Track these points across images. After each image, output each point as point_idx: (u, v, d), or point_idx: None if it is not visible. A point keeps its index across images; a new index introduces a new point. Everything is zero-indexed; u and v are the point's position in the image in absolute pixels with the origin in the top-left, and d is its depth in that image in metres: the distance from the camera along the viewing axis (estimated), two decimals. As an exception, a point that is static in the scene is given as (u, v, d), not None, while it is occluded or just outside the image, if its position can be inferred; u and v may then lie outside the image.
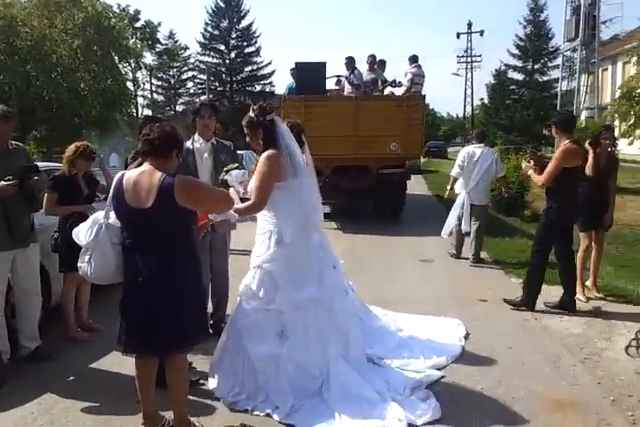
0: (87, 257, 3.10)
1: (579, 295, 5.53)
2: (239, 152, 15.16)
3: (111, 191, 3.08)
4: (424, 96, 11.20)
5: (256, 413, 3.38)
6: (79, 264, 3.15)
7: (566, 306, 5.23)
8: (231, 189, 3.66)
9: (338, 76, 11.65)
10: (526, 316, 5.15)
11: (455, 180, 7.70)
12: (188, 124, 4.84)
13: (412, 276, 6.83)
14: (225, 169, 3.78)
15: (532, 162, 5.52)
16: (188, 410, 3.18)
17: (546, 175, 5.18)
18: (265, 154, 3.56)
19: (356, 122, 10.27)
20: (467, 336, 4.61)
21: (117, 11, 27.60)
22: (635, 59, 17.79)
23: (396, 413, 3.29)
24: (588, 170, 5.55)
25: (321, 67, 10.82)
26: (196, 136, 4.44)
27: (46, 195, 4.58)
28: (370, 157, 10.41)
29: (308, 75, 10.56)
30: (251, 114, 3.68)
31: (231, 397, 3.53)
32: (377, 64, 11.52)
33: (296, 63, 11.03)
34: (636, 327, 4.75)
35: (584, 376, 3.86)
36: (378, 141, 10.36)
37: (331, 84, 11.77)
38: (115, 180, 3.07)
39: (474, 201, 7.46)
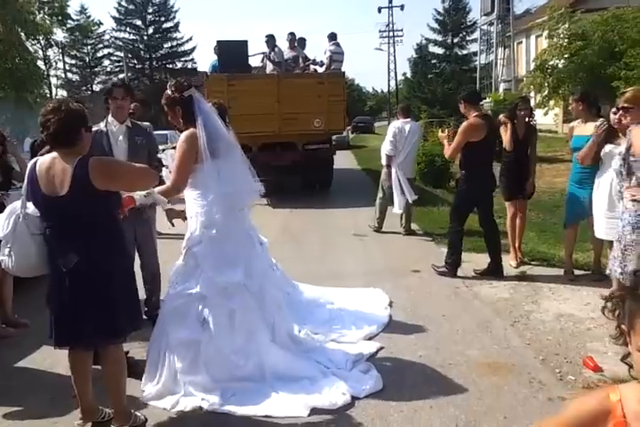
0: (7, 250, 2.92)
1: (510, 261, 5.79)
2: (163, 132, 14.85)
3: (25, 180, 2.89)
4: (344, 73, 11.62)
5: (179, 409, 3.21)
6: (0, 257, 2.97)
7: (493, 272, 5.47)
8: (164, 170, 3.53)
9: (263, 53, 11.68)
10: (457, 284, 5.33)
11: (390, 157, 7.70)
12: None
13: (347, 250, 6.90)
14: (162, 148, 3.65)
15: (446, 132, 5.77)
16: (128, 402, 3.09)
17: (451, 149, 5.48)
18: (184, 133, 3.44)
19: (278, 99, 10.54)
20: (391, 304, 4.75)
21: (20, -17, 25.69)
22: (546, 32, 18.48)
23: (338, 387, 3.32)
24: (507, 145, 5.74)
25: (243, 44, 10.97)
26: (110, 118, 4.18)
27: None
28: (294, 134, 10.70)
29: (231, 53, 10.72)
30: (168, 91, 3.55)
31: (152, 388, 3.36)
32: (297, 42, 11.77)
33: (218, 41, 11.07)
34: (559, 290, 5.04)
35: (515, 339, 4.04)
36: (301, 118, 10.65)
37: (256, 62, 11.84)
38: (28, 167, 2.90)
39: (405, 175, 7.64)
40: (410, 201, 7.60)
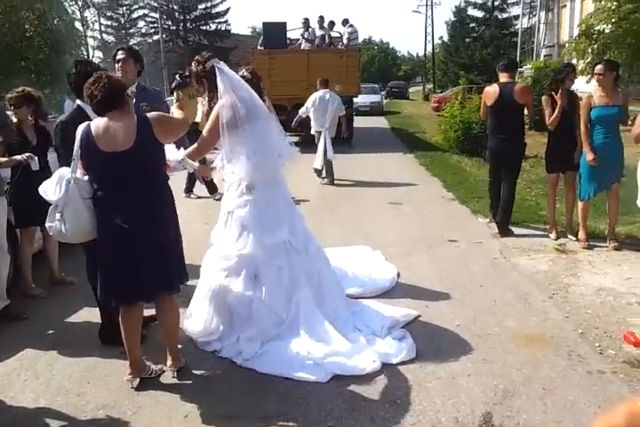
0: (58, 215, 3.00)
1: (550, 234, 5.73)
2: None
3: (77, 144, 2.97)
4: (360, 49, 15.34)
5: (222, 355, 3.50)
6: (48, 224, 3.05)
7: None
8: None
9: (301, 28, 14.88)
10: (495, 255, 5.31)
11: (300, 117, 9.46)
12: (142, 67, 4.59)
13: (381, 213, 6.90)
14: None
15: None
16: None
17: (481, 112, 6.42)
18: (218, 103, 3.51)
19: (308, 69, 13.14)
20: (398, 274, 4.77)
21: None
22: (593, -6, 17.62)
23: (368, 354, 3.38)
24: (547, 119, 5.56)
25: (282, 26, 14.28)
26: None
27: None
28: None
29: (273, 32, 13.99)
30: (192, 68, 3.66)
31: (204, 337, 3.64)
32: (327, 23, 14.96)
33: (263, 23, 14.51)
34: (599, 263, 4.98)
35: (553, 311, 4.03)
36: None
37: (296, 35, 15.20)
38: (80, 130, 2.97)
39: (331, 134, 9.35)
40: (329, 158, 9.19)
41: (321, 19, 14.77)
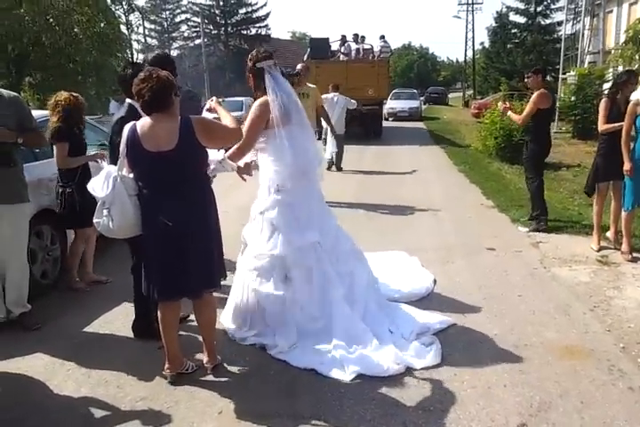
0: (105, 211, 3.08)
1: (592, 244, 5.59)
2: (238, 99, 16.97)
3: (123, 142, 3.05)
4: (389, 60, 18.99)
5: (257, 343, 3.65)
6: (96, 220, 3.13)
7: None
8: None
9: (340, 40, 18.23)
10: (535, 264, 5.21)
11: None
12: (185, 70, 4.64)
13: (418, 223, 6.86)
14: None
15: (507, 103, 6.89)
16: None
17: (523, 117, 6.28)
18: (257, 100, 3.62)
19: (346, 76, 15.62)
20: (435, 281, 4.73)
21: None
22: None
23: (393, 356, 3.39)
24: (601, 123, 5.42)
25: (326, 40, 17.88)
26: None
27: (56, 147, 4.47)
28: (357, 98, 14.17)
29: (318, 45, 17.40)
30: (247, 61, 3.71)
31: (242, 333, 3.75)
32: (360, 38, 18.35)
33: (310, 38, 19.32)
34: (643, 276, 4.83)
35: (594, 324, 3.94)
36: (360, 88, 15.85)
37: (335, 46, 18.25)
38: (126, 130, 3.05)
39: (337, 131, 10.43)
40: (331, 152, 10.81)
41: (355, 36, 18.28)
